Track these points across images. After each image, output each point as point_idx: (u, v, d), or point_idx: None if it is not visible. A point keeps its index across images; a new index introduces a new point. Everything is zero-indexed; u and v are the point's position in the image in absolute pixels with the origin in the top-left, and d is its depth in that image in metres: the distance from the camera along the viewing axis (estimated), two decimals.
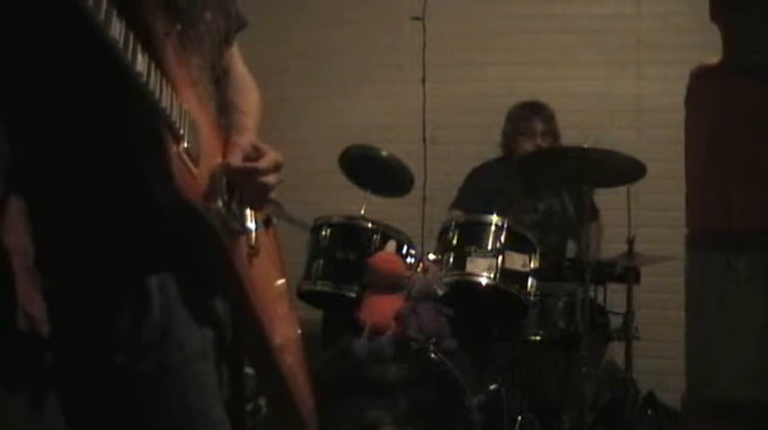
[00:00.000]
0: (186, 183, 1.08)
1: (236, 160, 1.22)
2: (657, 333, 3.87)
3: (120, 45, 0.94)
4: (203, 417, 1.14)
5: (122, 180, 1.10)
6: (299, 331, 1.56)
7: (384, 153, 3.47)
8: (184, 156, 1.08)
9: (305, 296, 3.29)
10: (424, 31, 3.94)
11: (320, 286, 3.21)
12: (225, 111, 1.34)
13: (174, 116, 1.06)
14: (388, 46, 4.62)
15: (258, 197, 1.31)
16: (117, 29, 0.94)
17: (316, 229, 3.31)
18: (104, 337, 1.09)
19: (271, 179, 1.28)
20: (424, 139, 3.93)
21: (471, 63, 4.60)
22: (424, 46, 3.96)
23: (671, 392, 3.20)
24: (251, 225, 1.33)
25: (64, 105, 1.08)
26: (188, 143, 1.09)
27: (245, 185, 1.25)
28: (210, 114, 1.25)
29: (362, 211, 3.35)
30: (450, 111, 4.40)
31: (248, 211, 1.34)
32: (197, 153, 1.13)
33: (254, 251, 1.32)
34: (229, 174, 1.21)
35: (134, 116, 1.05)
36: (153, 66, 1.01)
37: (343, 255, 3.22)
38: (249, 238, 1.32)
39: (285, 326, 1.44)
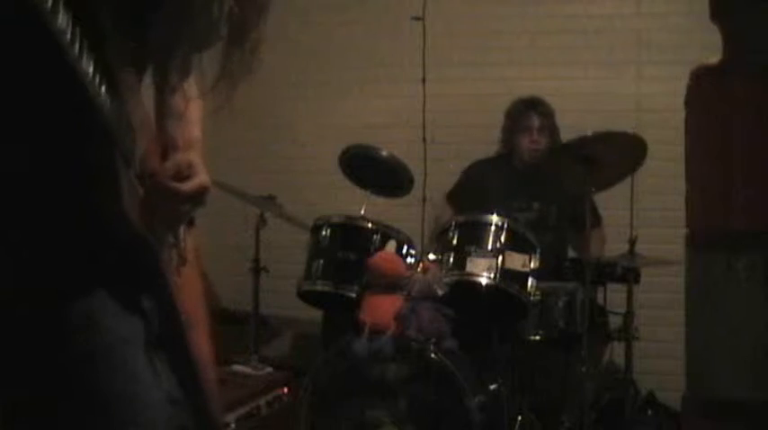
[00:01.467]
0: (133, 207, 1.09)
1: (164, 175, 1.20)
2: (657, 333, 3.87)
3: (89, 82, 0.96)
4: (129, 402, 1.13)
5: (74, 193, 1.10)
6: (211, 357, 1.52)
7: (384, 153, 3.47)
8: (133, 178, 1.11)
9: (305, 296, 3.29)
10: (424, 31, 3.94)
11: (320, 286, 3.21)
12: (167, 115, 1.31)
13: (128, 144, 1.07)
14: (388, 46, 4.62)
15: (168, 219, 1.27)
16: (86, 65, 0.95)
17: (316, 229, 3.31)
18: (30, 324, 1.09)
19: (185, 207, 1.26)
20: (424, 139, 3.94)
21: (471, 63, 4.60)
22: (424, 46, 3.96)
23: (671, 392, 3.20)
24: (182, 234, 1.32)
25: (23, 109, 1.08)
26: (136, 166, 1.11)
27: (161, 203, 1.23)
28: (149, 119, 1.24)
29: (362, 211, 3.35)
30: (450, 111, 4.40)
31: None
32: (141, 170, 1.14)
33: (182, 260, 1.31)
34: (154, 187, 1.20)
35: (90, 137, 1.06)
36: (113, 96, 1.02)
37: (343, 255, 3.22)
38: (180, 248, 1.31)
39: (204, 343, 1.43)
